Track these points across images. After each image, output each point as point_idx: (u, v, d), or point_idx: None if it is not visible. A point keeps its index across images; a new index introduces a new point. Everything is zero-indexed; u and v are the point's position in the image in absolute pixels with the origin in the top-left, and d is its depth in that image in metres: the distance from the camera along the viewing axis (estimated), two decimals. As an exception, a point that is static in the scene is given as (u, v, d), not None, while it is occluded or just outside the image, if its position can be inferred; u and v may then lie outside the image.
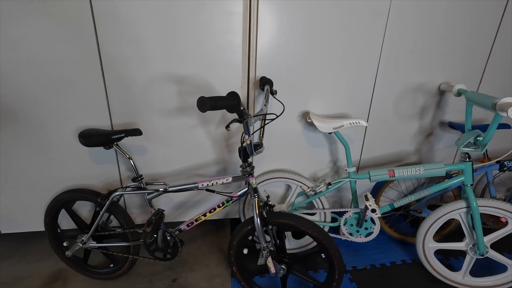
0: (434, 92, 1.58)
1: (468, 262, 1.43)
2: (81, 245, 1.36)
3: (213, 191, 1.21)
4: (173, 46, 1.28)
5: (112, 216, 1.49)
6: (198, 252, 1.69)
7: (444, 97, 1.61)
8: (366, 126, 1.59)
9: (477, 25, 1.45)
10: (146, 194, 1.28)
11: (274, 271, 1.19)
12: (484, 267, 1.55)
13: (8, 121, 1.31)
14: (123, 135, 1.20)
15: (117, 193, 1.26)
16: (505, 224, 1.34)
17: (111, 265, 1.46)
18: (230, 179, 1.18)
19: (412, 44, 1.44)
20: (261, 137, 1.24)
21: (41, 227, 1.56)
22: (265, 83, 1.28)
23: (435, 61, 1.50)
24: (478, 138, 1.22)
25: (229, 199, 1.22)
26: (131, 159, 1.26)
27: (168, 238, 1.32)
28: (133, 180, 1.28)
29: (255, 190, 1.17)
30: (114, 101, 1.35)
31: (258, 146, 1.12)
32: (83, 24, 1.20)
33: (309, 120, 1.40)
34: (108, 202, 1.26)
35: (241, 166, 1.16)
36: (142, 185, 1.28)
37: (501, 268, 1.43)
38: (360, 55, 1.42)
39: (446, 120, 1.66)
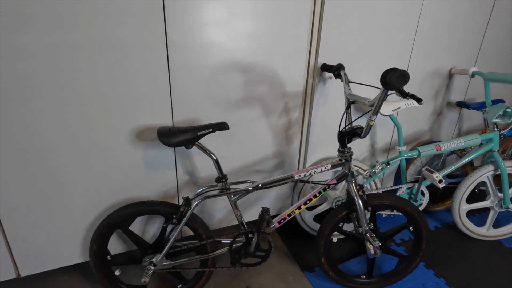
0: (445, 76, 1.83)
1: (491, 217, 1.70)
2: (153, 268, 1.13)
3: (307, 182, 1.16)
4: (242, 33, 1.18)
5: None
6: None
7: (452, 80, 1.87)
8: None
9: (472, 14, 1.72)
10: (232, 195, 1.15)
11: (373, 253, 1.21)
12: (501, 221, 1.84)
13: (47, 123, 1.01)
14: (210, 130, 1.05)
15: (201, 196, 1.09)
16: (520, 179, 1.64)
17: (180, 286, 1.26)
18: (329, 166, 1.15)
19: (433, 33, 1.64)
20: (350, 121, 1.21)
21: (75, 259, 1.24)
22: (338, 68, 1.28)
23: (445, 48, 1.73)
24: (507, 110, 1.46)
25: (326, 187, 1.18)
26: (215, 156, 1.11)
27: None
28: (218, 181, 1.13)
29: (352, 175, 1.17)
30: (177, 95, 1.16)
31: (358, 130, 1.12)
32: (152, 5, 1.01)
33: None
34: (190, 211, 1.09)
35: (340, 151, 1.14)
36: (227, 186, 1.14)
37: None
38: (397, 46, 1.55)
39: (452, 100, 1.93)
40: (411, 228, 1.29)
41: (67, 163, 1.09)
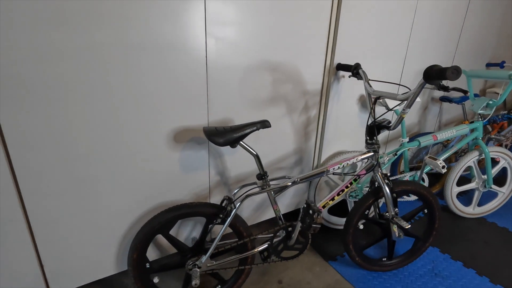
0: (431, 74, 2.04)
1: (476, 197, 1.93)
2: (198, 270, 1.12)
3: (340, 174, 1.23)
4: (270, 32, 1.22)
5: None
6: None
7: (435, 77, 2.08)
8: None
9: (447, 18, 1.96)
10: (272, 192, 1.18)
11: (397, 235, 1.32)
12: (483, 200, 2.09)
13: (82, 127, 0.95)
14: (255, 128, 1.07)
15: (244, 195, 1.11)
16: (498, 162, 1.89)
17: (218, 287, 1.25)
18: (359, 157, 1.24)
19: (422, 37, 1.83)
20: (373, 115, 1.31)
21: (108, 272, 1.17)
22: (356, 67, 1.38)
23: (431, 48, 1.93)
24: (489, 103, 1.68)
25: (356, 178, 1.27)
26: (258, 156, 1.13)
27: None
28: (259, 177, 1.15)
29: (379, 165, 1.27)
30: (213, 95, 1.17)
31: (386, 123, 1.22)
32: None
33: (380, 100, 1.59)
34: (235, 210, 1.10)
35: (368, 143, 1.24)
36: (268, 183, 1.17)
37: (493, 196, 2.00)
38: (395, 50, 1.70)
39: (435, 96, 2.16)
40: (425, 210, 1.43)
41: (103, 171, 1.03)
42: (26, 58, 0.82)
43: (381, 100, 1.60)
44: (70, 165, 0.97)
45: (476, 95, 2.14)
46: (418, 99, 1.64)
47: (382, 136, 1.93)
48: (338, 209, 1.86)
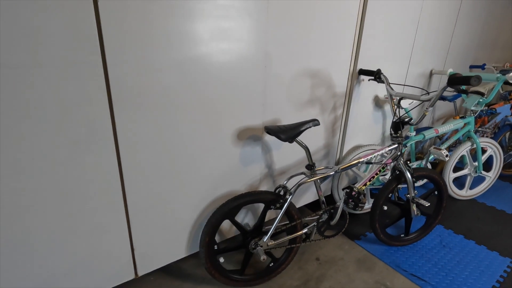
0: (427, 75, 2.33)
1: (469, 181, 2.25)
2: (262, 248, 1.31)
3: (371, 163, 1.47)
4: (310, 45, 1.43)
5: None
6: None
7: (431, 79, 2.39)
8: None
9: (442, 25, 2.26)
10: (319, 180, 1.39)
11: (416, 213, 1.58)
12: (473, 184, 2.42)
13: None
14: (309, 126, 1.28)
15: (298, 183, 1.31)
16: (486, 150, 2.22)
17: (271, 264, 1.45)
18: (387, 149, 1.48)
19: (422, 44, 2.11)
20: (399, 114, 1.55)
21: (182, 254, 1.33)
22: (378, 73, 1.62)
23: (429, 52, 2.23)
24: (480, 100, 1.99)
25: (384, 166, 1.51)
26: (308, 149, 1.34)
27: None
28: (308, 168, 1.36)
29: (402, 155, 1.52)
30: (268, 99, 1.36)
31: (408, 119, 1.46)
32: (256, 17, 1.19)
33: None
34: (291, 196, 1.30)
35: (393, 137, 1.48)
36: (316, 172, 1.38)
37: (481, 180, 2.34)
38: (402, 56, 1.97)
39: (431, 94, 2.46)
40: (436, 192, 1.70)
41: (187, 166, 1.20)
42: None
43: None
44: (169, 159, 1.13)
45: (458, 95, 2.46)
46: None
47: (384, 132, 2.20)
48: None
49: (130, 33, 0.92)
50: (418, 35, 2.00)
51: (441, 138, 2.43)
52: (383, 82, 1.62)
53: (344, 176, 2.00)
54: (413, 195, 1.55)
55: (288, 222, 1.41)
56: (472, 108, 2.01)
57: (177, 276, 1.47)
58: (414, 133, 1.99)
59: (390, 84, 1.55)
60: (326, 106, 1.65)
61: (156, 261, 1.27)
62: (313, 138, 1.67)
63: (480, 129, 2.49)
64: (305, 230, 1.43)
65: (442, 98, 2.39)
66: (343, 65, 1.63)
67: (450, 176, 2.18)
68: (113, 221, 1.09)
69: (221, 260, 1.34)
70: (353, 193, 1.38)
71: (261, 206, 1.55)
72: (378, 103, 1.99)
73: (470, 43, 2.62)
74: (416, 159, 2.25)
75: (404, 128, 1.46)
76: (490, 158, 2.29)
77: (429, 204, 1.48)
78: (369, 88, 1.86)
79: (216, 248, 1.31)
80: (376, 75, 1.62)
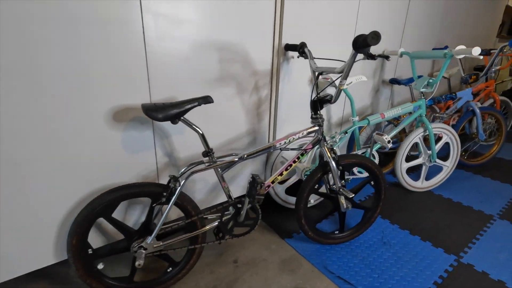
0: (380, 57, 2.13)
1: (423, 171, 2.06)
2: (144, 251, 1.09)
3: (287, 149, 1.26)
4: (217, 10, 1.21)
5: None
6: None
7: (384, 60, 2.19)
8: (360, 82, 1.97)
9: (392, 5, 2.06)
10: (219, 168, 1.18)
11: (345, 207, 1.38)
12: (430, 175, 2.24)
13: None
14: (196, 103, 1.06)
15: (189, 171, 1.10)
16: (441, 137, 2.03)
17: (169, 269, 1.23)
18: (305, 132, 1.27)
19: (369, 22, 1.91)
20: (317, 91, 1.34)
21: (48, 261, 1.11)
22: (302, 46, 1.41)
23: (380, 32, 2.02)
24: (429, 81, 1.80)
25: (303, 152, 1.30)
26: (201, 131, 1.12)
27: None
28: (205, 154, 1.14)
29: (325, 139, 1.31)
30: (155, 72, 1.14)
31: (328, 97, 1.26)
32: (123, -28, 0.97)
33: (328, 80, 1.63)
34: (180, 187, 1.08)
35: (313, 118, 1.27)
36: (214, 159, 1.17)
37: (439, 170, 2.15)
38: (343, 34, 1.76)
39: (386, 78, 2.27)
40: (372, 182, 1.50)
41: (37, 154, 0.97)
42: None
43: (325, 77, 1.65)
44: (16, 143, 0.90)
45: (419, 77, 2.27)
46: (365, 78, 1.72)
47: (337, 116, 1.99)
48: (296, 190, 1.90)
49: None
50: (362, 10, 1.79)
51: (396, 124, 2.24)
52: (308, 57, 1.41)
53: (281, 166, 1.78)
54: (339, 185, 1.34)
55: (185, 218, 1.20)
56: (422, 90, 1.81)
57: (63, 282, 1.25)
58: (357, 118, 1.79)
59: (315, 59, 1.35)
60: (244, 86, 1.44)
61: (9, 270, 1.04)
62: (230, 122, 1.45)
63: (437, 115, 2.30)
64: (208, 227, 1.22)
65: (396, 81, 2.20)
66: (263, 38, 1.42)
67: (402, 166, 1.98)
68: None
69: (100, 266, 1.12)
70: (256, 184, 1.17)
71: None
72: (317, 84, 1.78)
73: (432, 24, 2.42)
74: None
75: (323, 107, 1.25)
76: (449, 146, 2.10)
77: (353, 195, 1.28)
78: (305, 67, 1.65)
79: (91, 252, 1.09)
80: (300, 49, 1.41)
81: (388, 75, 2.27)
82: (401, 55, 1.98)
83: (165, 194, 1.08)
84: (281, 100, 1.62)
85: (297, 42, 1.54)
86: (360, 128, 2.08)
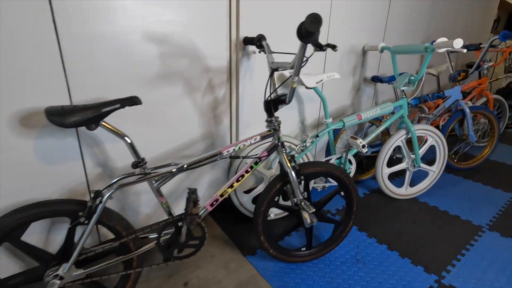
0: (360, 53, 1.96)
1: (408, 177, 1.89)
2: (58, 282, 0.92)
3: (238, 157, 1.09)
4: (152, -6, 1.04)
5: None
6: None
7: (366, 57, 2.01)
8: (324, 81, 1.79)
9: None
10: (154, 181, 1.01)
11: (309, 222, 1.21)
12: (415, 180, 2.06)
13: None
14: (118, 105, 0.89)
15: (115, 185, 0.92)
16: (426, 140, 1.86)
17: (101, 298, 1.06)
18: (258, 137, 1.10)
19: (345, 16, 1.73)
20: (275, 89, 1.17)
21: None
22: (260, 39, 1.24)
23: (358, 26, 1.85)
24: (411, 78, 1.62)
25: (257, 161, 1.13)
26: (128, 138, 0.95)
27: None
28: (134, 166, 0.97)
29: (283, 145, 1.14)
30: (75, 69, 0.96)
31: (283, 97, 1.08)
32: None
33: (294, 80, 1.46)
34: (102, 204, 0.91)
35: (268, 121, 1.10)
36: (147, 171, 0.99)
37: (425, 175, 1.98)
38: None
39: (367, 76, 2.09)
40: (342, 193, 1.33)
41: None
42: None
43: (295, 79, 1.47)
44: None
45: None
46: (337, 75, 1.54)
47: (312, 118, 1.82)
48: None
49: None
50: (335, 2, 1.62)
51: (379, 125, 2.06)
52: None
53: (249, 176, 1.61)
54: (300, 198, 1.17)
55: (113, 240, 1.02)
56: (403, 88, 1.64)
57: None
58: (330, 120, 1.61)
59: (277, 55, 1.17)
60: (195, 84, 1.27)
61: None
62: (180, 126, 1.28)
63: (424, 115, 2.13)
64: (145, 249, 1.05)
65: (379, 79, 2.03)
66: (216, 29, 1.24)
67: (383, 171, 1.81)
68: None
69: (11, 298, 0.95)
70: (189, 201, 0.99)
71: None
72: (286, 83, 1.61)
73: (418, 18, 2.25)
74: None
75: (278, 108, 1.08)
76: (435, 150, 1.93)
77: (313, 210, 1.11)
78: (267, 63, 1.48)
79: (-2, 282, 0.92)
80: (257, 42, 1.24)
81: (370, 73, 2.10)
82: (381, 50, 1.81)
83: (81, 213, 0.91)
84: (243, 100, 1.45)
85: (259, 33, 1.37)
86: (338, 130, 1.91)
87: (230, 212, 1.72)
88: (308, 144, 1.54)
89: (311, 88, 1.50)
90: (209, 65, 1.28)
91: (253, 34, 1.35)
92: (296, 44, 1.54)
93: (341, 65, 1.85)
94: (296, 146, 1.57)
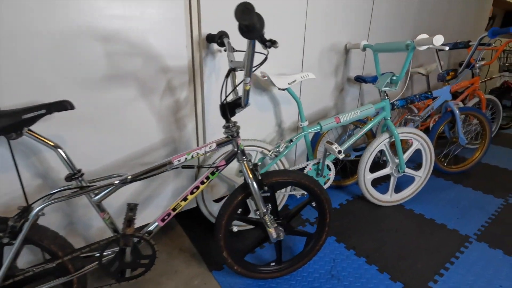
0: (342, 51, 1.85)
1: (392, 183, 1.78)
2: (-20, 310, 0.82)
3: (192, 167, 0.98)
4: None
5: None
6: (156, 263, 1.35)
7: (349, 55, 1.91)
8: (301, 81, 1.68)
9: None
10: (93, 194, 0.90)
11: (275, 236, 1.10)
12: (401, 186, 1.96)
13: None
14: (43, 111, 0.78)
15: (42, 200, 0.82)
16: (411, 144, 1.75)
17: (39, 324, 0.96)
18: (214, 145, 0.99)
19: (324, 13, 1.62)
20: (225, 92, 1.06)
21: None
22: (221, 36, 1.13)
23: (340, 24, 1.74)
24: (393, 78, 1.51)
25: (215, 171, 1.02)
26: (61, 148, 0.85)
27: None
28: (69, 179, 0.87)
29: (243, 153, 1.03)
30: (2, 71, 0.86)
31: (239, 100, 0.98)
32: None
33: (265, 78, 1.36)
34: (28, 222, 0.80)
35: (225, 126, 0.99)
36: (84, 183, 0.89)
37: (411, 181, 1.87)
38: (291, 23, 1.48)
39: (351, 76, 1.98)
40: (313, 204, 1.22)
41: None
42: None
43: (264, 74, 1.37)
44: None
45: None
46: (312, 75, 1.44)
47: (290, 121, 1.71)
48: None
49: None
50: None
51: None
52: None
53: (219, 183, 1.51)
54: (263, 210, 1.06)
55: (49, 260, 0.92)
56: (385, 88, 1.53)
57: None
58: (306, 123, 1.51)
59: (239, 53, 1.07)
60: (151, 86, 1.16)
61: None
62: (135, 132, 1.17)
63: (410, 117, 2.02)
64: (86, 270, 0.94)
65: (362, 79, 1.92)
66: (172, 25, 1.14)
67: (366, 177, 1.71)
68: None
69: None
70: (124, 219, 0.88)
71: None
72: (259, 84, 1.50)
73: (404, 20, 2.14)
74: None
75: (235, 113, 0.97)
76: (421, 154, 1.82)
77: (275, 225, 1.00)
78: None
79: None
80: (218, 40, 1.13)
81: (354, 72, 1.99)
82: (364, 48, 1.70)
83: (1, 234, 0.80)
84: (209, 102, 1.34)
85: (228, 30, 1.26)
86: (319, 134, 1.80)
87: (202, 223, 1.61)
88: (281, 150, 1.43)
89: (283, 90, 1.39)
90: (166, 64, 1.17)
91: (217, 31, 1.24)
92: (285, 55, 1.44)
93: (321, 64, 1.75)
94: (269, 151, 1.46)
